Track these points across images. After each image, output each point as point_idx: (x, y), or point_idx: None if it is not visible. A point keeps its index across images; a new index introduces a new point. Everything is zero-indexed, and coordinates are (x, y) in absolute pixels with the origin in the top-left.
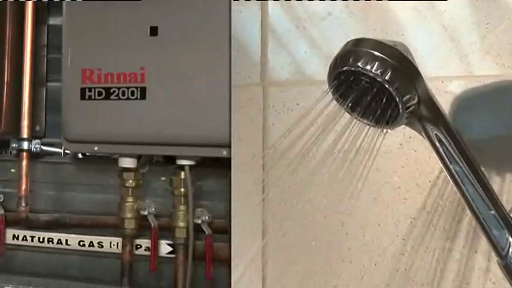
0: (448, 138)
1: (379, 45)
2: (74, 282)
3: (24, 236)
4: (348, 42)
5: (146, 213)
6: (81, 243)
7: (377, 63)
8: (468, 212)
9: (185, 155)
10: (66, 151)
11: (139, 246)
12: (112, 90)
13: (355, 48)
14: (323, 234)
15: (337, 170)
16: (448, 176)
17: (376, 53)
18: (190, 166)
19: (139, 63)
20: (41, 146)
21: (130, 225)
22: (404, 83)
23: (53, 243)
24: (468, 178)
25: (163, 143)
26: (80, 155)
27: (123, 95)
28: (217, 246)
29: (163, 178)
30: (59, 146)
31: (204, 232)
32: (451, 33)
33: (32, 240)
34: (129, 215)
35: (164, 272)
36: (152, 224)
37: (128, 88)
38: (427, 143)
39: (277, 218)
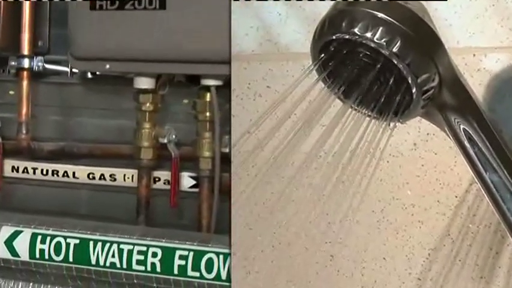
0: (482, 135)
1: (384, 3)
2: (82, 221)
3: (25, 168)
4: None
5: (165, 141)
6: (90, 176)
7: (381, 28)
8: (511, 240)
9: (212, 73)
10: (73, 70)
11: (157, 179)
12: None
13: (350, 8)
14: (305, 272)
15: (324, 180)
16: (482, 190)
17: (380, 15)
18: (217, 87)
19: None
20: (44, 64)
21: (147, 155)
22: (419, 57)
23: (58, 176)
24: (511, 192)
25: (185, 59)
26: (89, 75)
27: (139, 4)
28: None
29: (185, 101)
30: (65, 64)
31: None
32: None
33: (34, 173)
34: (146, 144)
35: (186, 209)
36: (172, 154)
37: None
38: (452, 143)
39: (239, 249)
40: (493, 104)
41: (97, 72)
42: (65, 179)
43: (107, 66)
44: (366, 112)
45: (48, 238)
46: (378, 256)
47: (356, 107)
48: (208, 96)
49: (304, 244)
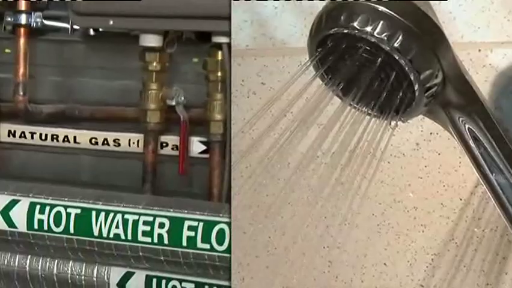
0: (488, 135)
1: None
2: (84, 189)
3: (23, 133)
4: None
5: (174, 103)
6: (93, 141)
7: (381, 22)
8: None
9: (223, 30)
10: (74, 26)
11: (164, 145)
12: None
13: (349, 1)
14: (302, 278)
15: (322, 182)
16: (488, 192)
17: (380, 8)
18: (229, 44)
19: None
20: (43, 20)
21: (153, 118)
22: (421, 52)
23: (58, 141)
24: None
25: (195, 15)
26: (91, 32)
27: None
28: None
29: (195, 60)
30: (65, 20)
31: None
32: None
33: (33, 138)
34: (153, 106)
35: (195, 176)
36: (181, 117)
37: None
38: (456, 143)
39: (233, 254)
40: (499, 102)
41: (100, 29)
42: (66, 144)
43: (111, 22)
44: (366, 110)
45: (48, 208)
46: (379, 261)
47: (356, 105)
48: (219, 55)
49: (301, 249)
